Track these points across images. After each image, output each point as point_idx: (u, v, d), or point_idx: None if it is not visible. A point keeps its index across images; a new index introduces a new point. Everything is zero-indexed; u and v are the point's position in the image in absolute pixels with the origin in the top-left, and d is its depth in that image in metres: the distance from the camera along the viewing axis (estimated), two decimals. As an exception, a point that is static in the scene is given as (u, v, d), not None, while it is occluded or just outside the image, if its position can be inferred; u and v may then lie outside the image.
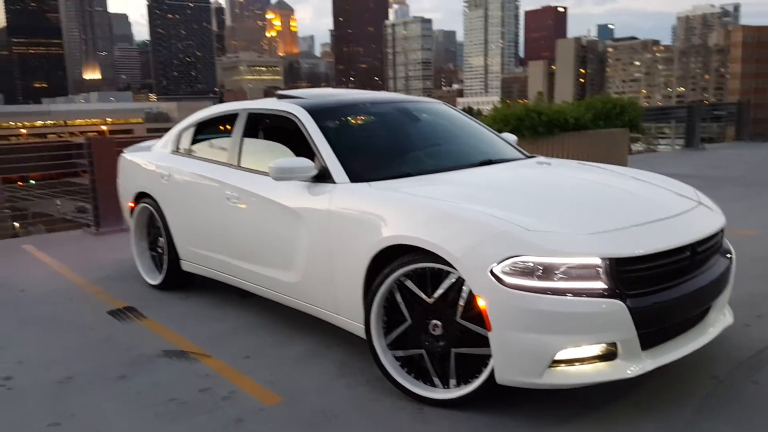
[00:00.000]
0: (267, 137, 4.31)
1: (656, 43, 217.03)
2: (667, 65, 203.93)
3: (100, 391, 3.15)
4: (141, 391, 3.12)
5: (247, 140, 4.18)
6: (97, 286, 5.04)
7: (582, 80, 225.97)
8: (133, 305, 4.49)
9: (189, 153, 4.69)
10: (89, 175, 7.00)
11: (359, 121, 4.15)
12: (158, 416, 2.86)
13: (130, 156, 5.33)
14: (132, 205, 5.09)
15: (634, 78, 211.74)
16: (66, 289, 5.03)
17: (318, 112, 3.83)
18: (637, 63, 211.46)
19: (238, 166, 4.11)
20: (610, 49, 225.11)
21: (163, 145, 5.02)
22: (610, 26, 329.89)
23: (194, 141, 4.71)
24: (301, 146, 3.70)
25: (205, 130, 4.71)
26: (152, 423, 2.80)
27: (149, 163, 4.95)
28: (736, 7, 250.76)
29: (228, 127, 4.36)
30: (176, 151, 4.82)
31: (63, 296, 4.83)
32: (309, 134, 3.67)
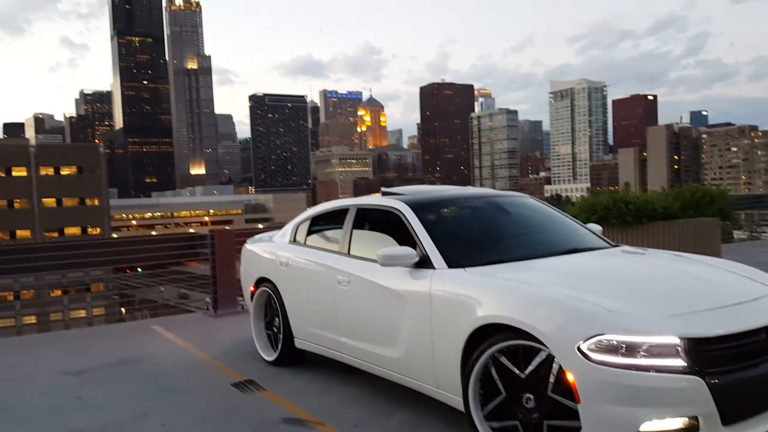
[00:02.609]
0: (373, 228, 4.85)
1: (754, 128, 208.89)
2: (766, 151, 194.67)
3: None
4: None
5: (356, 231, 4.76)
6: (219, 362, 5.65)
7: (676, 167, 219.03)
8: (253, 378, 5.04)
9: (305, 243, 5.33)
10: (210, 263, 7.84)
11: (455, 214, 4.64)
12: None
13: (251, 246, 6.06)
14: (253, 289, 5.76)
15: (732, 164, 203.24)
16: (193, 363, 5.68)
17: (418, 207, 4.35)
18: (734, 149, 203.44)
19: (348, 254, 4.66)
20: (704, 136, 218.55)
21: (281, 235, 5.72)
22: (704, 113, 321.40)
23: (309, 232, 5.34)
24: (404, 236, 4.19)
25: (319, 223, 5.34)
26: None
27: (269, 252, 5.63)
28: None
29: (339, 220, 4.96)
30: (293, 241, 5.47)
31: (192, 370, 5.46)
32: (411, 226, 4.18)
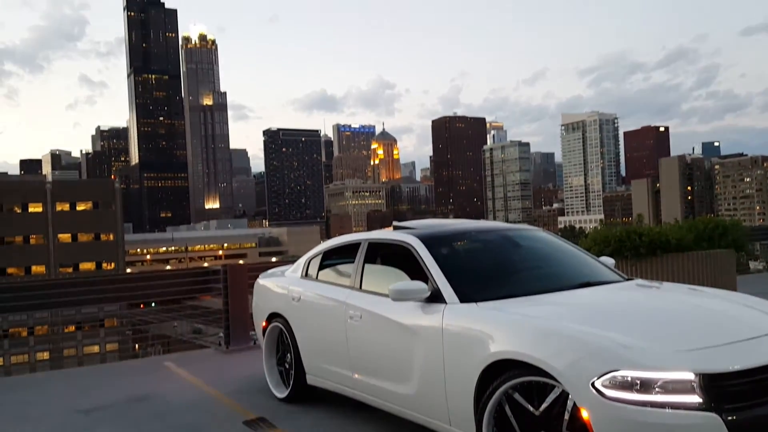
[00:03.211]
0: (385, 263, 4.85)
1: (766, 159, 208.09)
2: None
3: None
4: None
5: (367, 266, 4.75)
6: (231, 399, 5.61)
7: (690, 198, 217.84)
8: (265, 416, 4.99)
9: (317, 277, 5.33)
10: (223, 298, 7.85)
11: (467, 248, 4.64)
12: None
13: (263, 281, 6.07)
14: (264, 324, 5.75)
15: (746, 195, 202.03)
16: (204, 401, 5.64)
17: (430, 241, 4.35)
18: (747, 179, 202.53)
19: (360, 289, 4.65)
20: (716, 167, 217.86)
21: (293, 270, 5.73)
22: (716, 144, 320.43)
23: (321, 267, 5.34)
24: (415, 270, 4.18)
25: (331, 257, 5.35)
26: None
27: (281, 287, 5.63)
28: None
29: (351, 254, 4.97)
30: (305, 275, 5.47)
31: (203, 407, 5.43)
32: (422, 260, 4.18)
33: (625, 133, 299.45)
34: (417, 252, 4.25)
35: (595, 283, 4.21)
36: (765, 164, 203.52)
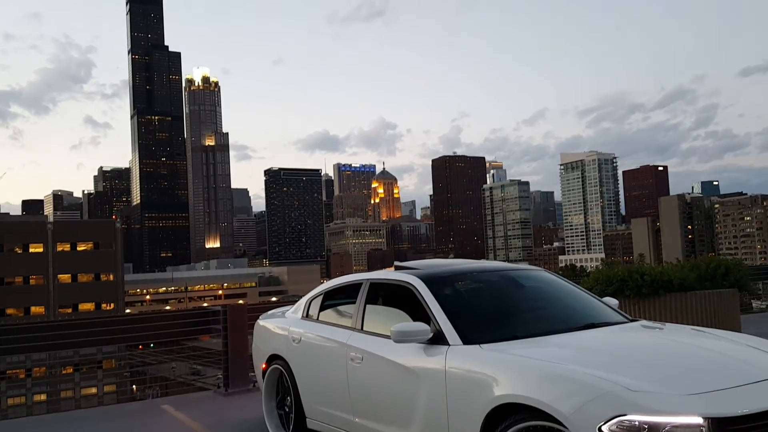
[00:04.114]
0: (386, 303, 4.78)
1: (766, 197, 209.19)
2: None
3: None
4: None
5: (369, 306, 4.70)
6: (229, 443, 5.50)
7: (690, 236, 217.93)
8: (264, 461, 4.88)
9: (317, 318, 5.28)
10: (222, 339, 7.76)
11: (469, 288, 4.60)
12: None
13: (263, 322, 6.01)
14: (264, 366, 5.67)
15: (746, 233, 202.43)
16: (203, 444, 5.53)
17: (432, 281, 4.32)
18: (748, 218, 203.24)
19: (362, 330, 4.60)
20: (716, 206, 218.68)
21: (294, 311, 5.68)
22: (715, 183, 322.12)
23: (322, 307, 5.29)
24: (417, 311, 4.13)
25: (332, 298, 5.30)
26: None
27: (281, 328, 5.56)
28: None
29: (352, 294, 4.92)
30: (306, 316, 5.42)
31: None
32: (424, 301, 4.14)
33: (624, 173, 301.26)
34: (419, 292, 4.22)
35: (599, 324, 4.17)
36: (765, 203, 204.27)
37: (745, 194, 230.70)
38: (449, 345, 3.76)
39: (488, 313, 4.27)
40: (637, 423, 2.76)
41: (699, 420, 2.73)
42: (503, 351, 3.56)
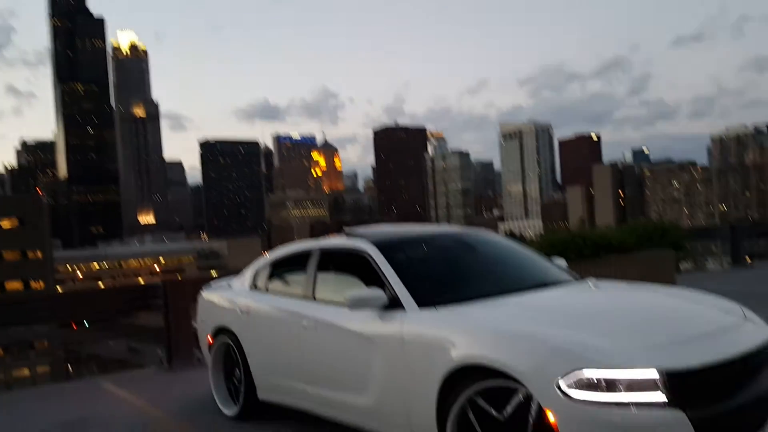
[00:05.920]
0: (338, 271, 4.70)
1: (693, 164, 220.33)
2: (706, 185, 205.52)
3: None
4: None
5: (320, 274, 4.60)
6: (177, 419, 5.33)
7: (622, 203, 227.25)
8: (214, 436, 4.75)
9: (266, 288, 5.13)
10: (164, 316, 7.49)
11: (422, 252, 4.55)
12: None
13: (208, 295, 5.80)
14: (210, 340, 5.48)
15: (675, 199, 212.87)
16: (148, 423, 5.33)
17: (386, 247, 4.25)
18: (676, 185, 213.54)
19: (314, 299, 4.50)
20: (647, 173, 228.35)
21: (240, 282, 5.50)
22: (645, 151, 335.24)
23: (271, 277, 5.15)
24: (371, 277, 4.06)
25: (281, 267, 5.16)
26: None
27: (228, 300, 5.39)
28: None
29: (302, 263, 4.79)
30: (254, 287, 5.26)
31: (146, 430, 5.11)
32: (378, 267, 4.06)
33: (560, 142, 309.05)
34: (373, 258, 4.14)
35: (551, 283, 4.21)
36: (692, 169, 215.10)
37: (673, 161, 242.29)
38: (405, 310, 3.71)
39: (442, 277, 4.24)
40: (594, 378, 2.78)
41: (654, 373, 2.78)
42: (459, 313, 3.54)
